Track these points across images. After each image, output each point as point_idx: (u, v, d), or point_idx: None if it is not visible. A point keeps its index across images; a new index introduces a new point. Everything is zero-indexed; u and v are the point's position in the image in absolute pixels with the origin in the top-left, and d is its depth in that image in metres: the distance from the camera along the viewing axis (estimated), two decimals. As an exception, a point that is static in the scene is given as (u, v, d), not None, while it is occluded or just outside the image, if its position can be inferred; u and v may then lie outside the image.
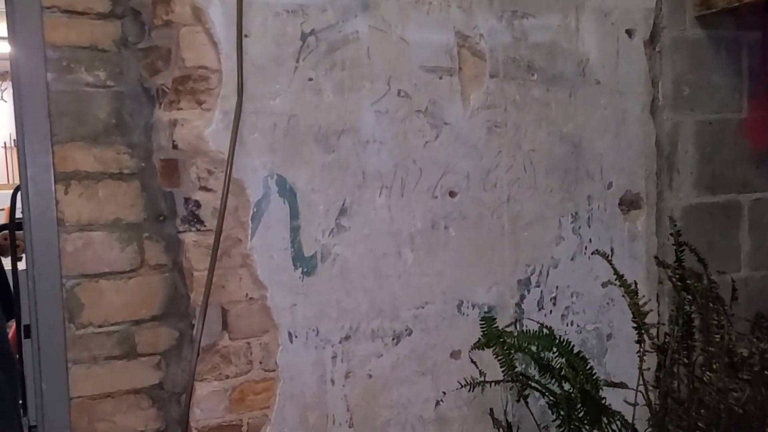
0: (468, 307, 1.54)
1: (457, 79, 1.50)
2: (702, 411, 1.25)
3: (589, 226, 1.66)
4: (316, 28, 1.36)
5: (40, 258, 1.39)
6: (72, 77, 1.42)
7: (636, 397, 1.40)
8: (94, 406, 1.45)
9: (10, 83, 1.43)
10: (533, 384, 1.44)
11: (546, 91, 1.60)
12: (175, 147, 1.32)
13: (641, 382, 1.41)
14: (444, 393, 1.52)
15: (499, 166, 1.56)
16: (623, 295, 1.40)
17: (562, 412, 1.40)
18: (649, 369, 1.42)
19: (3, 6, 1.39)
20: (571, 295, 1.64)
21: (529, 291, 1.60)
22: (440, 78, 1.49)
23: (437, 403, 1.51)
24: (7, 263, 3.35)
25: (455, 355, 1.53)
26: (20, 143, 1.38)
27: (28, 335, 2.21)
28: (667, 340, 1.47)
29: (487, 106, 1.53)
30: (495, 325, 1.49)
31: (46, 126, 1.39)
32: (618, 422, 1.42)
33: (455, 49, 1.50)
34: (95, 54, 1.42)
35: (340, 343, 1.42)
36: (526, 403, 1.46)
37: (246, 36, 1.31)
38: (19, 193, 2.59)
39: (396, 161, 1.45)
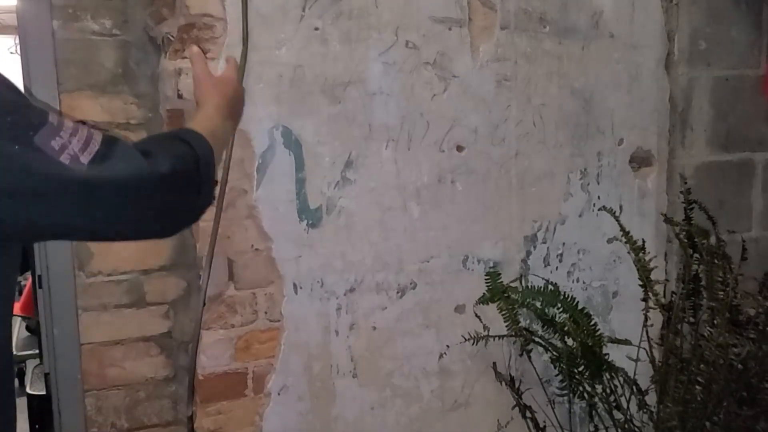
0: (473, 262, 1.54)
1: (467, 31, 1.47)
2: (702, 366, 1.25)
3: (598, 183, 1.64)
4: (322, -24, 1.34)
5: (49, 207, 1.41)
6: (78, 25, 1.41)
7: (638, 353, 1.41)
8: (105, 352, 1.48)
9: (20, 36, 1.42)
10: (536, 339, 1.45)
11: (558, 43, 1.56)
12: (180, 97, 1.31)
13: (645, 338, 1.41)
14: (448, 346, 1.53)
15: (508, 120, 1.53)
16: (629, 252, 1.39)
17: (563, 367, 1.41)
18: (652, 326, 1.42)
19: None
20: (578, 252, 1.64)
21: (535, 247, 1.60)
22: (449, 29, 1.46)
23: (441, 356, 1.53)
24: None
25: (459, 309, 1.54)
26: (28, 92, 1.38)
27: (41, 285, 2.25)
28: (672, 299, 1.46)
29: (497, 59, 1.51)
30: (500, 281, 1.50)
31: (53, 74, 1.39)
32: (620, 377, 1.44)
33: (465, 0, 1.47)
34: (100, 1, 1.41)
35: (344, 295, 1.43)
36: (529, 357, 1.47)
37: (251, -17, 1.29)
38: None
39: (403, 114, 1.44)
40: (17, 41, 1.44)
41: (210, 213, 1.31)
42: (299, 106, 1.36)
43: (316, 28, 1.35)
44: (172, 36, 1.34)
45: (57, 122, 0.69)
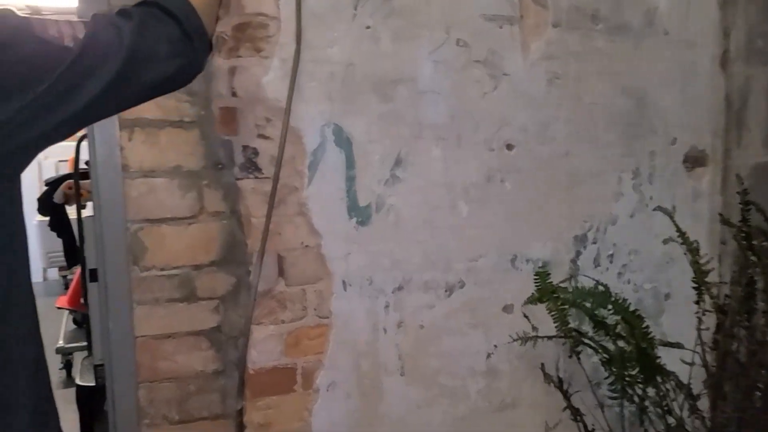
0: (522, 262, 1.53)
1: (518, 29, 1.46)
2: (763, 371, 1.21)
3: (651, 183, 1.61)
4: (374, -25, 1.34)
5: (106, 203, 1.44)
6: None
7: (693, 357, 1.38)
8: (157, 346, 1.51)
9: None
10: (586, 340, 1.43)
11: (610, 41, 1.54)
12: (233, 95, 1.33)
13: (699, 342, 1.38)
14: (495, 346, 1.52)
15: (558, 119, 1.52)
16: (685, 253, 1.36)
17: (614, 369, 1.39)
18: (708, 329, 1.39)
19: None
20: (629, 253, 1.61)
21: (585, 247, 1.58)
22: (500, 27, 1.45)
23: (488, 356, 1.52)
24: (71, 211, 3.50)
25: (508, 309, 1.53)
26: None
27: (93, 279, 2.31)
28: (727, 302, 1.43)
29: (548, 57, 1.49)
30: (549, 281, 1.48)
31: (111, 74, 1.43)
32: (672, 382, 1.41)
33: (517, -3, 1.46)
34: None
35: (392, 293, 1.44)
36: (578, 359, 1.45)
37: (304, -18, 1.30)
38: (83, 143, 2.68)
39: (453, 112, 1.43)
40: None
41: (262, 209, 1.33)
42: (350, 105, 1.37)
43: (368, 27, 1.36)
44: (226, 35, 1.36)
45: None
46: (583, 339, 1.44)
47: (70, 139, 1.04)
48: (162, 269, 1.50)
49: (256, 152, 1.33)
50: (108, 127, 1.41)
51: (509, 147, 1.49)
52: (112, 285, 1.47)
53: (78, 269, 3.53)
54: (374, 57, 1.37)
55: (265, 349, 1.37)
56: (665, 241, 1.58)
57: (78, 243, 2.85)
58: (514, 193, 1.50)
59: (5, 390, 0.84)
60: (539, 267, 1.53)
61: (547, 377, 1.50)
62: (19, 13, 0.83)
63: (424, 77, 1.40)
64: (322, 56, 1.34)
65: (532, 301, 1.47)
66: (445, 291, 1.47)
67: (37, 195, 3.48)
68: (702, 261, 1.37)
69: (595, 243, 1.58)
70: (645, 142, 1.60)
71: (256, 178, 1.34)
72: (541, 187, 1.53)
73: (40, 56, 0.77)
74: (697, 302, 1.37)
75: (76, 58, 0.80)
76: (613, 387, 1.41)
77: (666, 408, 1.41)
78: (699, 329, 1.38)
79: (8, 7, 0.82)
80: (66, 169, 4.06)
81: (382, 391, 1.45)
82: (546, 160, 1.52)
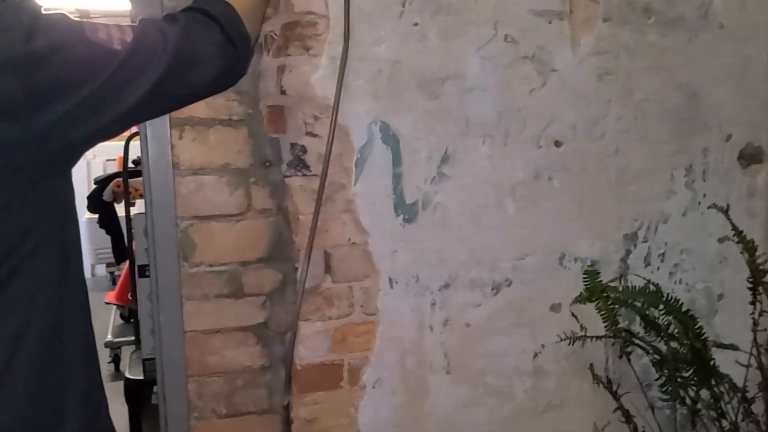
0: (570, 261, 1.50)
1: (567, 24, 1.44)
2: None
3: (704, 180, 1.57)
4: (422, -28, 1.34)
5: (157, 200, 1.47)
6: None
7: (749, 359, 1.34)
8: (206, 340, 1.54)
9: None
10: (637, 341, 1.41)
11: (662, 35, 1.50)
12: (283, 93, 1.34)
13: (754, 344, 1.34)
14: (542, 345, 1.50)
15: (608, 115, 1.49)
16: (741, 252, 1.33)
17: (667, 371, 1.36)
18: (764, 330, 1.35)
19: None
20: (681, 252, 1.57)
21: (635, 246, 1.55)
22: (549, 22, 1.43)
23: (535, 355, 1.50)
24: (120, 209, 3.58)
25: (555, 308, 1.51)
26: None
27: (142, 275, 2.37)
28: (784, 302, 1.38)
29: (598, 52, 1.46)
30: (598, 280, 1.45)
31: (162, 74, 1.46)
32: (726, 384, 1.37)
33: (566, -8, 1.44)
34: (209, 3, 1.46)
35: (439, 290, 1.43)
36: (629, 359, 1.43)
37: (353, -19, 1.30)
38: (131, 142, 2.75)
39: (500, 109, 1.42)
40: None
41: (309, 206, 1.34)
42: (397, 102, 1.37)
43: (415, 24, 1.36)
44: (275, 34, 1.37)
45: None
46: (633, 339, 1.41)
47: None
48: (211, 265, 1.53)
49: (304, 150, 1.34)
50: (159, 126, 1.44)
51: (557, 144, 1.47)
52: (163, 281, 1.50)
53: (125, 265, 3.62)
54: (421, 54, 1.37)
55: (312, 345, 1.38)
56: (721, 240, 1.54)
57: (126, 240, 2.92)
58: (562, 191, 1.48)
59: (59, 374, 0.87)
60: (588, 266, 1.51)
61: (595, 378, 1.47)
62: (70, 16, 0.86)
63: (471, 74, 1.39)
64: (370, 54, 1.34)
65: (580, 300, 1.45)
66: (492, 289, 1.46)
67: (87, 193, 3.58)
68: (759, 260, 1.33)
69: (645, 242, 1.55)
70: (698, 139, 1.56)
71: (304, 175, 1.35)
72: (590, 184, 1.50)
73: (88, 59, 0.80)
74: (753, 303, 1.33)
75: (122, 61, 0.83)
76: (665, 389, 1.38)
77: (720, 411, 1.37)
78: (755, 330, 1.34)
79: (61, 12, 0.84)
80: (114, 167, 4.17)
81: (428, 389, 1.45)
82: (595, 157, 1.50)
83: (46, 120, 0.76)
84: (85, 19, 0.86)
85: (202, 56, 0.94)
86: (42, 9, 0.80)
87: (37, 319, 0.83)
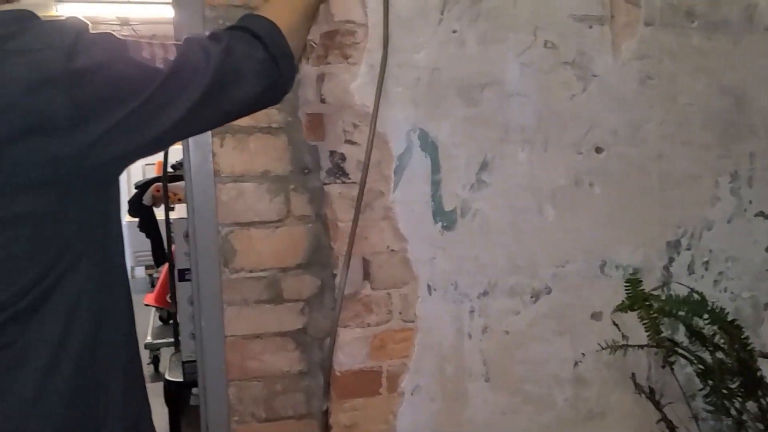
0: (611, 268, 1.48)
1: (608, 28, 1.42)
2: None
3: (750, 187, 1.53)
4: (461, -22, 1.34)
5: (199, 207, 1.50)
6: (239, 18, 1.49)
7: (798, 370, 1.30)
8: (246, 345, 1.56)
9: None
10: (680, 350, 1.38)
11: (707, 39, 1.47)
12: (322, 101, 1.35)
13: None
14: (583, 354, 1.48)
15: (651, 120, 1.47)
16: (790, 261, 1.29)
17: (711, 381, 1.33)
18: (815, 341, 1.31)
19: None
20: (726, 260, 1.54)
21: (678, 254, 1.52)
22: (590, 27, 1.42)
23: (575, 364, 1.49)
24: (159, 213, 3.65)
25: (596, 316, 1.49)
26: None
27: (182, 278, 2.41)
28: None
29: (640, 57, 1.44)
30: (641, 288, 1.43)
31: (204, 81, 1.48)
32: (774, 396, 1.33)
33: (607, -4, 1.42)
34: (247, 12, 1.49)
35: (477, 298, 1.43)
36: (672, 369, 1.40)
37: (392, -11, 1.31)
38: (171, 148, 2.79)
39: (540, 115, 1.41)
40: None
41: (348, 214, 1.35)
42: (436, 109, 1.37)
43: (454, 31, 1.36)
44: (315, 43, 1.39)
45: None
46: (676, 349, 1.38)
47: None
48: (251, 271, 1.55)
49: (343, 157, 1.35)
50: (201, 135, 1.47)
51: (598, 150, 1.45)
52: (205, 286, 1.52)
53: (164, 268, 3.69)
54: (460, 61, 1.37)
55: (351, 351, 1.39)
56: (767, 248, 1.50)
57: (166, 243, 2.98)
58: (604, 197, 1.46)
59: (100, 381, 0.89)
60: (630, 273, 1.48)
61: (638, 388, 1.45)
62: (114, 27, 0.88)
63: (510, 80, 1.39)
64: (409, 61, 1.34)
65: (622, 308, 1.43)
66: (531, 297, 1.45)
67: (128, 197, 3.65)
68: (809, 270, 1.29)
69: (689, 249, 1.52)
70: (744, 144, 1.52)
71: (343, 182, 1.36)
72: (632, 190, 1.48)
73: (131, 77, 0.82)
74: (802, 313, 1.30)
75: (165, 79, 0.84)
76: (710, 400, 1.35)
77: (767, 423, 1.33)
78: (804, 341, 1.31)
79: (108, 31, 0.86)
80: (153, 172, 4.25)
81: (467, 397, 1.44)
82: (637, 162, 1.47)
83: (88, 136, 0.79)
84: (131, 38, 0.88)
85: (245, 73, 0.96)
86: (88, 27, 0.82)
87: (79, 326, 0.85)
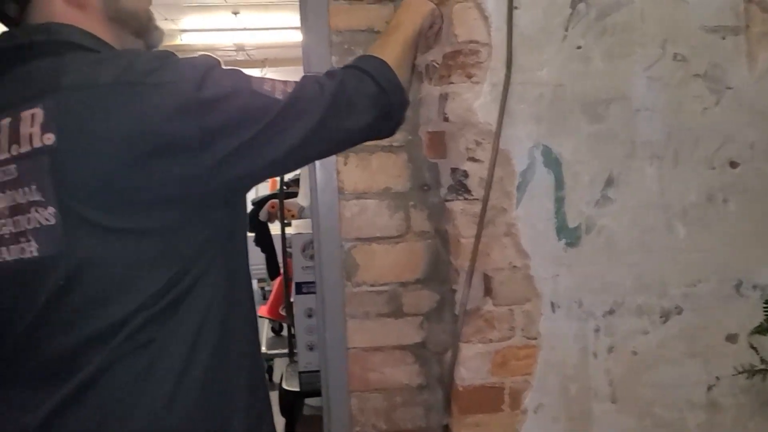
0: (748, 288, 1.41)
1: (743, 39, 1.37)
2: None
3: None
4: (586, -6, 1.33)
5: (324, 223, 1.57)
6: (351, 59, 1.56)
7: None
8: (367, 358, 1.60)
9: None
10: (828, 377, 1.29)
11: None
12: (445, 119, 1.38)
13: None
14: (717, 378, 1.41)
15: (792, 133, 1.39)
16: None
17: None
18: None
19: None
20: None
21: (824, 274, 1.42)
22: (723, 38, 1.36)
23: (709, 388, 1.42)
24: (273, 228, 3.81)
25: (731, 338, 1.42)
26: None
27: (299, 292, 2.51)
28: None
29: (779, 67, 1.37)
30: (782, 309, 1.35)
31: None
32: None
33: (741, 5, 1.36)
34: (371, 36, 1.55)
35: (603, 316, 1.40)
36: (819, 398, 1.31)
37: (516, 8, 1.32)
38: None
39: (669, 130, 1.37)
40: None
41: (471, 230, 1.37)
42: (559, 125, 1.36)
43: (579, 47, 1.35)
44: (437, 63, 1.42)
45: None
46: (824, 376, 1.29)
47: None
48: (372, 285, 1.60)
49: (465, 174, 1.37)
50: (326, 154, 1.54)
51: (733, 165, 1.39)
52: (329, 299, 1.58)
53: (276, 281, 3.85)
54: (584, 77, 1.36)
55: (473, 367, 1.39)
56: None
57: (281, 258, 3.11)
58: (739, 214, 1.40)
59: (226, 386, 0.96)
60: (769, 294, 1.40)
61: (779, 416, 1.36)
62: (230, 53, 0.98)
63: (638, 95, 1.36)
64: (532, 78, 1.35)
65: (761, 330, 1.36)
66: (660, 317, 1.40)
67: (244, 213, 3.83)
68: None
69: (836, 269, 1.42)
70: None
71: (466, 199, 1.38)
72: (771, 207, 1.40)
73: (252, 106, 0.91)
74: None
75: (282, 109, 0.93)
76: None
77: None
78: None
79: (235, 68, 0.96)
80: (267, 189, 4.44)
81: (592, 418, 1.41)
82: (776, 178, 1.40)
83: (213, 158, 0.88)
84: (256, 75, 0.99)
85: (357, 105, 1.04)
86: (219, 63, 0.93)
87: (207, 334, 0.93)
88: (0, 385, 0.93)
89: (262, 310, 3.91)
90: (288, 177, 3.52)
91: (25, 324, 0.88)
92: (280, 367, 3.25)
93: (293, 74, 1.10)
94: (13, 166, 0.87)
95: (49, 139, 0.84)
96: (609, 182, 1.38)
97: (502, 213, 1.38)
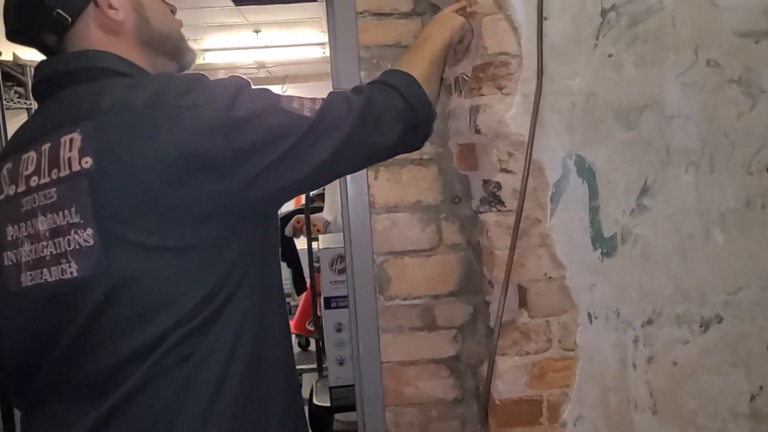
0: (791, 295, 1.38)
1: (777, 42, 1.35)
2: None
3: None
4: (616, 3, 1.33)
5: (356, 237, 1.57)
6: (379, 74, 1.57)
7: None
8: (401, 371, 1.60)
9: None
10: None
11: None
12: (477, 131, 1.38)
13: None
14: (761, 387, 1.38)
15: (831, 136, 1.36)
16: None
17: None
18: None
19: (311, 14, 1.59)
20: None
21: None
22: (756, 42, 1.35)
23: (752, 398, 1.39)
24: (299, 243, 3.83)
25: (775, 347, 1.39)
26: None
27: (328, 306, 2.51)
28: None
29: (816, 69, 1.35)
30: (828, 317, 1.32)
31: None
32: None
33: (774, 9, 1.35)
34: (399, 51, 1.56)
35: (641, 326, 1.38)
36: None
37: (545, 18, 1.32)
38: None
39: (704, 136, 1.36)
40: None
41: (505, 241, 1.36)
42: (592, 134, 1.36)
43: (610, 55, 1.34)
44: (467, 76, 1.42)
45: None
46: None
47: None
48: (404, 299, 1.60)
49: (498, 186, 1.37)
50: (357, 168, 1.54)
51: (771, 170, 1.37)
52: (362, 313, 1.58)
53: (303, 296, 3.85)
54: (617, 85, 1.35)
55: (510, 380, 1.38)
56: None
57: (308, 273, 3.11)
58: (779, 220, 1.37)
59: (261, 399, 0.97)
60: (813, 301, 1.37)
61: (828, 426, 1.33)
62: (252, 70, 1.00)
63: (671, 101, 1.35)
64: (563, 88, 1.35)
65: (806, 339, 1.33)
66: (701, 326, 1.38)
67: (269, 229, 3.85)
68: None
69: None
70: None
71: (499, 211, 1.37)
72: (811, 212, 1.38)
73: (282, 124, 0.92)
74: None
75: (311, 126, 0.94)
76: None
77: None
78: None
79: (265, 87, 0.97)
80: (292, 205, 4.46)
81: (633, 429, 1.38)
82: (816, 182, 1.37)
83: (244, 175, 0.89)
84: (285, 94, 1.00)
85: (384, 120, 1.05)
86: (248, 84, 0.95)
87: (242, 347, 0.94)
88: (45, 401, 0.95)
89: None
90: (313, 192, 3.53)
91: (68, 341, 0.90)
92: (307, 382, 3.24)
93: (313, 90, 1.12)
94: (53, 190, 0.89)
95: (87, 162, 0.87)
96: (644, 190, 1.36)
97: (536, 224, 1.37)
